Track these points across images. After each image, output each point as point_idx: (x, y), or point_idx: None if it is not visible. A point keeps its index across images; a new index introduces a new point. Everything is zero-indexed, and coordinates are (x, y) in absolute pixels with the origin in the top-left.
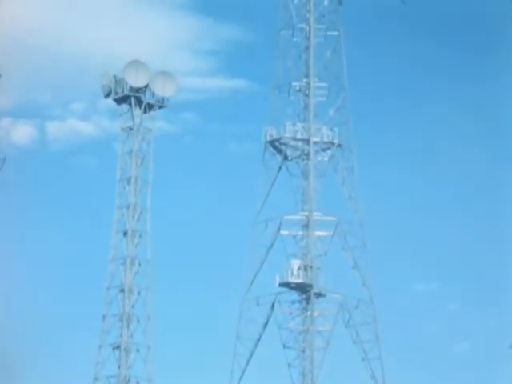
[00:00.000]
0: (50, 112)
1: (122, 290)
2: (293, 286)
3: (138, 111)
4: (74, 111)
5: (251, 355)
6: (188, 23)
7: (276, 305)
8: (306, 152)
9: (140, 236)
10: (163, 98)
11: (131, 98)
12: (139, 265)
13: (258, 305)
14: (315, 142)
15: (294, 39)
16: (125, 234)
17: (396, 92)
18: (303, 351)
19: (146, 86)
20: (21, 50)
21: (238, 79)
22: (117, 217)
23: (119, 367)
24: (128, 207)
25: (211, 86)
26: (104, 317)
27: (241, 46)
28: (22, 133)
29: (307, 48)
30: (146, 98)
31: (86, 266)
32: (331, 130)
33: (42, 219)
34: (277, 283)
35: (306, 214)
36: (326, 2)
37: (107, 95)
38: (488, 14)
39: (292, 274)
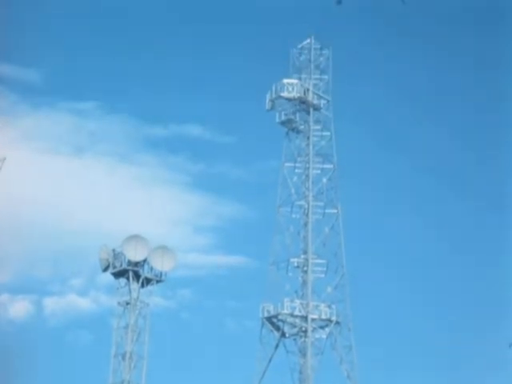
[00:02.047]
0: (49, 287)
1: None
2: None
3: (135, 285)
4: (73, 286)
5: None
6: (189, 200)
7: None
8: (303, 329)
9: None
10: (161, 273)
11: (129, 271)
12: None
13: None
14: (313, 319)
15: (293, 216)
16: None
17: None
18: None
19: (145, 261)
20: (20, 226)
21: (237, 256)
22: None
23: None
24: (122, 383)
25: (209, 262)
26: None
27: (240, 222)
28: (20, 308)
29: (306, 224)
30: (144, 273)
31: None
32: (329, 307)
33: None
34: None
35: None
36: (324, 180)
37: (105, 269)
38: None
39: None
